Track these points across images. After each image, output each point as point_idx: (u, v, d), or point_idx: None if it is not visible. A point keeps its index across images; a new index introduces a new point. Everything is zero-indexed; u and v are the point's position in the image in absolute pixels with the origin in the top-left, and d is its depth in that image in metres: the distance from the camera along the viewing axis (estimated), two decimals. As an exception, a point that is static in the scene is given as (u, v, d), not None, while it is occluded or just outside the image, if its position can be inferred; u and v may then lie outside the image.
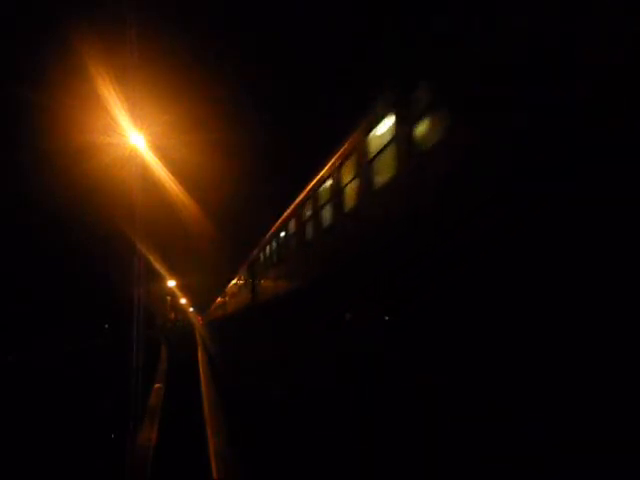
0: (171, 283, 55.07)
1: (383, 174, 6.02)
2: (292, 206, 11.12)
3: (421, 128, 5.08)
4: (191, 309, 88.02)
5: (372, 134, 6.35)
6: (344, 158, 7.45)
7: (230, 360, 17.63)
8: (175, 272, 49.64)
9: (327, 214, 8.42)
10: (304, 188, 9.92)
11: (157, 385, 14.76)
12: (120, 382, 10.08)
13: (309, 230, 9.64)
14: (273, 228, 13.88)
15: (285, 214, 11.99)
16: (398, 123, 5.51)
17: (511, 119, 3.57)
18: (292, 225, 11.24)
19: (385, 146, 5.85)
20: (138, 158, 10.90)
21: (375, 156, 6.21)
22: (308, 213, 9.70)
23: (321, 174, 8.64)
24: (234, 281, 28.07)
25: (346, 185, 7.33)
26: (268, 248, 14.95)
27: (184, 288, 64.76)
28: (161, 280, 47.84)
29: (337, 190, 7.77)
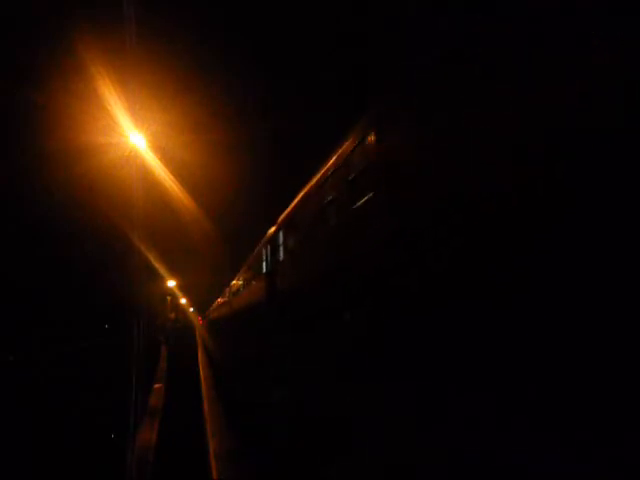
0: (171, 283, 55.01)
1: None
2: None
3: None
4: (191, 309, 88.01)
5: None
6: None
7: (230, 359, 17.62)
8: (175, 272, 49.64)
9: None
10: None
11: (157, 385, 14.75)
12: (120, 382, 10.08)
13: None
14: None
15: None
16: None
17: None
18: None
19: None
20: (138, 158, 10.92)
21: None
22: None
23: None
24: (233, 281, 28.13)
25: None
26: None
27: (184, 288, 64.77)
28: (161, 280, 47.82)
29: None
